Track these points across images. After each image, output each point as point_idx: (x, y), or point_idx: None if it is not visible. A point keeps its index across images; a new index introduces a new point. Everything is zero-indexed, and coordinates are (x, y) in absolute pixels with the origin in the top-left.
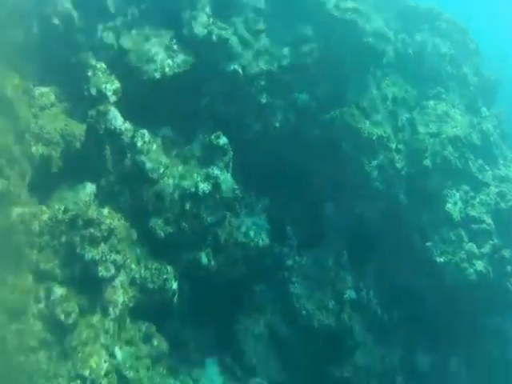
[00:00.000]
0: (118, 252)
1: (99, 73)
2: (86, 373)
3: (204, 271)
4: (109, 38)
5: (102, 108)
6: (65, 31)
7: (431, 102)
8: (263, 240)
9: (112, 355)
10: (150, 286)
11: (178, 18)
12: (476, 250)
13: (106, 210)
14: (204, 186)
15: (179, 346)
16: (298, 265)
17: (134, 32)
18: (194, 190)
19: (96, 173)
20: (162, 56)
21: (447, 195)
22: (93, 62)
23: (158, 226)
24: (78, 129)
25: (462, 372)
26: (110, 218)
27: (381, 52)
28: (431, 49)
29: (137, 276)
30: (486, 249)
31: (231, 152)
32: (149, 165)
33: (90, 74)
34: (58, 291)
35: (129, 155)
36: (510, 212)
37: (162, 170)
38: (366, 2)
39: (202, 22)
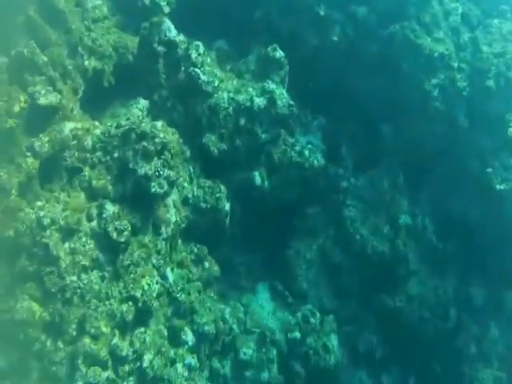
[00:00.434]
0: (171, 168)
1: None
2: (138, 294)
3: (257, 192)
4: None
5: (155, 19)
6: None
7: (495, 21)
8: (318, 160)
9: (164, 277)
10: (203, 205)
11: None
12: None
13: (159, 124)
14: (259, 101)
15: (230, 271)
16: (353, 187)
17: None
18: (249, 104)
19: (149, 87)
20: None
21: (510, 119)
22: None
23: (212, 142)
24: (131, 41)
25: None
26: (163, 132)
27: None
28: None
29: (189, 195)
30: None
31: (287, 66)
32: (203, 77)
33: None
34: (111, 208)
35: (183, 68)
36: None
37: (216, 83)
38: None
39: None
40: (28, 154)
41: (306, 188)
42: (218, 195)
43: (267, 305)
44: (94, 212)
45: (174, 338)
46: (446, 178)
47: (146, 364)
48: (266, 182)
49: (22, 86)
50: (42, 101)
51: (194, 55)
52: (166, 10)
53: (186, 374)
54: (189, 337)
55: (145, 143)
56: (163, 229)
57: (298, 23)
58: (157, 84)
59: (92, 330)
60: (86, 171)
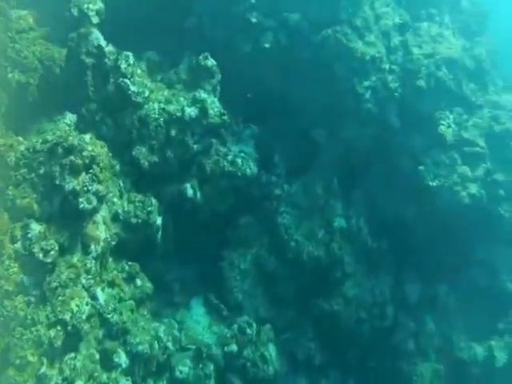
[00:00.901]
0: (100, 182)
1: None
2: (67, 317)
3: (189, 204)
4: None
5: (83, 30)
6: None
7: (424, 24)
8: (251, 168)
9: (94, 297)
10: (134, 220)
11: None
12: (469, 173)
13: (87, 137)
14: (191, 110)
15: (163, 287)
16: (287, 194)
17: None
18: (180, 114)
19: (77, 101)
20: None
21: (440, 117)
22: None
23: (142, 154)
24: (59, 53)
25: (450, 301)
26: (92, 145)
27: None
28: None
29: (119, 211)
30: (480, 172)
31: (219, 74)
32: (133, 88)
33: None
34: (36, 228)
35: (112, 79)
36: (503, 135)
37: (147, 94)
38: None
39: None
40: None
41: (239, 197)
42: (149, 209)
43: (202, 319)
44: (19, 233)
45: (107, 362)
46: (379, 178)
47: None
48: (199, 194)
49: None
50: None
51: (123, 66)
52: (95, 20)
53: None
54: (122, 359)
55: (72, 157)
56: (92, 247)
57: (230, 31)
58: (85, 97)
59: (17, 361)
60: (10, 190)
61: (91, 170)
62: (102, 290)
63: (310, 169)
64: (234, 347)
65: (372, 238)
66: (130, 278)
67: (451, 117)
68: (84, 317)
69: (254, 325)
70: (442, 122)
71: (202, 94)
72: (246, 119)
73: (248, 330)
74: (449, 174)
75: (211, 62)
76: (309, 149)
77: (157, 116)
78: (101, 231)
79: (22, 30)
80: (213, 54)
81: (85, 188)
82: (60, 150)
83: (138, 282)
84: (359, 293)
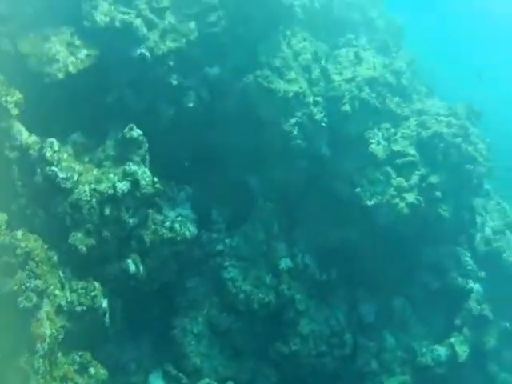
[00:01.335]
0: (38, 277)
1: None
2: None
3: (134, 280)
4: (4, 44)
5: (4, 124)
6: None
7: (343, 50)
8: (190, 231)
9: None
10: (79, 308)
11: (79, 11)
12: (405, 184)
13: (19, 233)
14: (122, 185)
15: (119, 369)
16: (229, 247)
17: (31, 34)
18: (112, 191)
19: (4, 199)
20: (63, 54)
21: (369, 136)
22: None
23: (79, 240)
24: None
25: (407, 312)
26: (24, 241)
27: (289, 6)
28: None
29: (63, 302)
30: (415, 180)
31: (146, 144)
32: (61, 174)
33: None
34: None
35: (39, 170)
36: (431, 139)
37: (76, 178)
38: None
39: (103, 10)
40: None
41: (182, 261)
42: (92, 294)
43: None
44: None
45: None
46: (319, 209)
47: None
48: (141, 267)
49: None
50: None
51: (48, 154)
52: (15, 112)
53: None
54: None
55: (6, 257)
56: (39, 345)
57: (153, 98)
58: (13, 193)
59: None
60: None
61: (27, 267)
62: None
63: (249, 217)
64: None
65: (320, 269)
66: (83, 369)
67: (379, 134)
68: None
69: None
70: (372, 141)
71: (132, 167)
72: (179, 181)
73: None
74: (385, 189)
75: (137, 132)
76: (245, 197)
77: (88, 198)
78: (45, 327)
79: None
80: (138, 123)
81: (23, 287)
82: None
83: (92, 370)
84: (315, 327)
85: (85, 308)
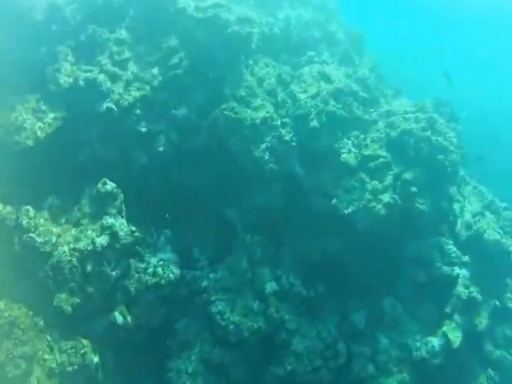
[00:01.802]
0: (25, 344)
1: None
2: None
3: (123, 331)
4: None
5: None
6: None
7: (306, 68)
8: (174, 272)
9: None
10: (70, 368)
11: (42, 76)
12: (379, 186)
13: (1, 304)
14: (101, 240)
15: None
16: (214, 281)
17: None
18: (91, 247)
19: None
20: (31, 121)
21: (340, 147)
22: None
23: (63, 300)
24: None
25: (398, 310)
26: (8, 310)
27: (248, 35)
28: (295, 21)
29: (53, 365)
30: (389, 180)
31: (121, 195)
32: (39, 239)
33: None
34: None
35: (16, 239)
36: (400, 137)
37: (54, 240)
38: None
39: (66, 72)
40: None
41: (169, 305)
42: (82, 351)
43: None
44: None
45: None
46: (300, 227)
47: None
48: (129, 318)
49: None
50: None
51: (25, 222)
52: None
53: None
54: None
55: None
56: None
57: (124, 148)
58: None
59: None
60: None
61: (13, 335)
62: None
63: (231, 248)
64: None
65: (306, 286)
66: None
67: (349, 142)
68: None
69: None
70: (343, 151)
71: (109, 220)
72: (158, 225)
73: None
74: (361, 195)
75: (110, 185)
76: (225, 229)
77: (69, 258)
78: None
79: None
80: (112, 175)
81: (10, 355)
82: None
83: None
84: (308, 343)
85: (76, 367)
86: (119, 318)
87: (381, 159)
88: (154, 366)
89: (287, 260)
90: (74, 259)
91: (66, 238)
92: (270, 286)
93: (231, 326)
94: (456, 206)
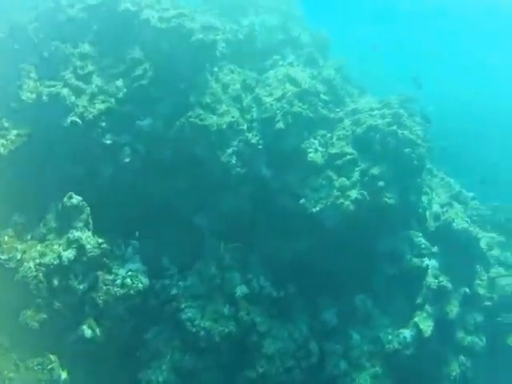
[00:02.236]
0: None
1: None
2: None
3: (92, 345)
4: None
5: None
6: None
7: (271, 72)
8: (142, 282)
9: None
10: None
11: (5, 94)
12: (347, 182)
13: None
14: (67, 254)
15: None
16: (183, 289)
17: None
18: (57, 261)
19: None
20: None
21: (306, 146)
22: None
23: (29, 317)
24: None
25: (368, 305)
26: None
27: (212, 43)
28: (260, 27)
29: None
30: (356, 176)
31: (88, 208)
32: (3, 257)
33: None
34: None
35: None
36: (366, 133)
37: (19, 257)
38: (188, 7)
39: (29, 88)
40: None
41: (139, 316)
42: (49, 367)
43: None
44: None
45: None
46: (269, 229)
47: None
48: (98, 330)
49: None
50: None
51: None
52: None
53: None
54: None
55: None
56: None
57: (90, 161)
58: None
59: None
60: None
61: None
62: None
63: (200, 254)
64: None
65: (277, 287)
66: None
67: (316, 141)
68: None
69: None
70: (309, 150)
71: (75, 233)
72: (126, 236)
73: None
74: (328, 192)
75: (76, 199)
76: (194, 236)
77: (34, 273)
78: None
79: None
80: (79, 189)
81: None
82: None
83: None
84: (280, 345)
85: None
86: (88, 332)
87: (347, 156)
88: (126, 378)
89: (257, 263)
90: (40, 274)
91: (32, 254)
92: (240, 290)
93: (202, 332)
94: (424, 198)
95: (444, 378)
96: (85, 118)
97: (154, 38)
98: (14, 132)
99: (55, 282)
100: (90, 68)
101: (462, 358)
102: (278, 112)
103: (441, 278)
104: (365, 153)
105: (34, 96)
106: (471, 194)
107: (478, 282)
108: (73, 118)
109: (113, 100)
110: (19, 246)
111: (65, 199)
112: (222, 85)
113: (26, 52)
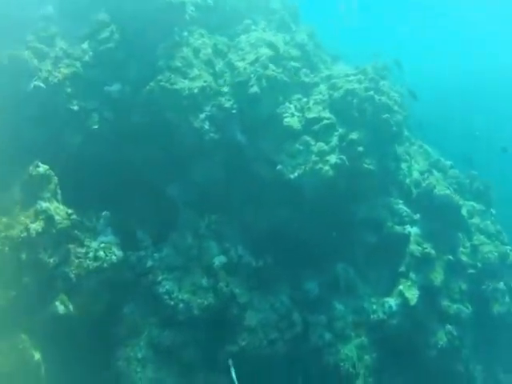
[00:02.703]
0: None
1: None
2: None
3: (65, 321)
4: None
5: None
6: None
7: (242, 37)
8: (116, 254)
9: None
10: (6, 369)
11: None
12: (325, 147)
13: None
14: (35, 226)
15: None
16: (159, 261)
17: None
18: (25, 234)
19: None
20: None
21: (282, 111)
22: None
23: None
24: None
25: (350, 274)
26: None
27: (180, 4)
28: None
29: None
30: (335, 141)
31: (55, 177)
32: None
33: None
34: None
35: None
36: (344, 97)
37: None
38: None
39: None
40: None
41: (114, 291)
42: (21, 347)
43: None
44: None
45: None
46: (245, 197)
47: None
48: (71, 306)
49: None
50: None
51: None
52: None
53: None
54: None
55: None
56: None
57: (56, 128)
58: None
59: None
60: None
61: None
62: None
63: (174, 225)
64: None
65: (256, 257)
66: None
67: (292, 106)
68: None
69: None
70: (285, 115)
71: (43, 204)
72: (97, 207)
73: None
74: (306, 158)
75: (43, 167)
76: (167, 206)
77: (0, 248)
78: None
79: None
80: (45, 158)
81: None
82: None
83: None
84: (261, 316)
85: (15, 366)
86: (60, 308)
87: (325, 121)
88: (103, 356)
89: (234, 232)
90: (7, 248)
91: None
92: (219, 260)
93: (180, 305)
94: (403, 166)
95: (431, 347)
96: (49, 83)
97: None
98: None
99: (23, 256)
100: (53, 30)
101: (448, 326)
102: (251, 76)
103: (424, 245)
104: (342, 117)
105: None
106: (449, 163)
107: (461, 249)
108: (36, 83)
109: (78, 64)
110: None
111: (30, 168)
112: (193, 49)
113: None
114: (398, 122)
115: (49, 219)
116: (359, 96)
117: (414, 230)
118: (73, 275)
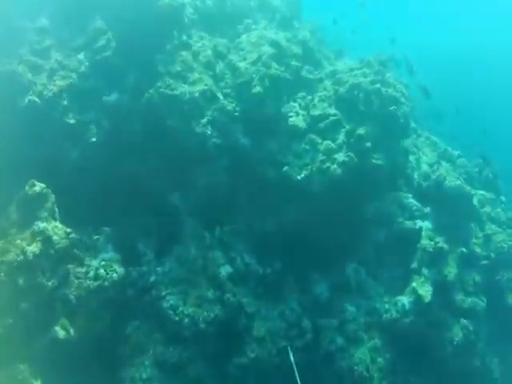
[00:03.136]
0: None
1: None
2: None
3: (66, 346)
4: None
5: None
6: None
7: (243, 37)
8: (117, 272)
9: None
10: None
11: None
12: (332, 145)
13: None
14: (32, 248)
15: None
16: (163, 275)
17: None
18: (22, 257)
19: None
20: None
21: (287, 110)
22: None
23: None
24: None
25: (361, 275)
26: None
27: (180, 7)
28: None
29: None
30: (342, 138)
31: (53, 195)
32: None
33: None
34: None
35: None
36: (350, 92)
37: None
38: None
39: None
40: None
41: (117, 309)
42: (20, 378)
43: None
44: None
45: None
46: (251, 202)
47: None
48: (72, 330)
49: None
50: None
51: None
52: None
53: None
54: None
55: None
56: None
57: (53, 143)
58: None
59: None
60: None
61: None
62: None
63: (178, 236)
64: None
65: (262, 264)
66: None
67: (296, 105)
68: None
69: None
70: (290, 114)
71: (41, 225)
72: (96, 224)
73: None
74: (313, 157)
75: (39, 186)
76: (170, 217)
77: None
78: None
79: None
80: (43, 175)
81: None
82: None
83: None
84: (270, 325)
85: None
86: (61, 333)
87: (331, 117)
88: (106, 378)
89: (240, 239)
90: (2, 274)
91: None
92: (225, 270)
93: (186, 320)
94: (412, 158)
95: (446, 343)
96: (44, 97)
97: (115, 5)
98: None
99: (20, 282)
100: (48, 42)
101: (463, 321)
102: (254, 76)
103: (436, 240)
104: (349, 113)
105: None
106: (457, 152)
107: (474, 240)
108: (31, 98)
109: (74, 75)
110: None
111: (26, 187)
112: (193, 52)
113: None
114: (405, 114)
115: (46, 240)
116: (365, 90)
117: (425, 225)
118: (73, 297)
